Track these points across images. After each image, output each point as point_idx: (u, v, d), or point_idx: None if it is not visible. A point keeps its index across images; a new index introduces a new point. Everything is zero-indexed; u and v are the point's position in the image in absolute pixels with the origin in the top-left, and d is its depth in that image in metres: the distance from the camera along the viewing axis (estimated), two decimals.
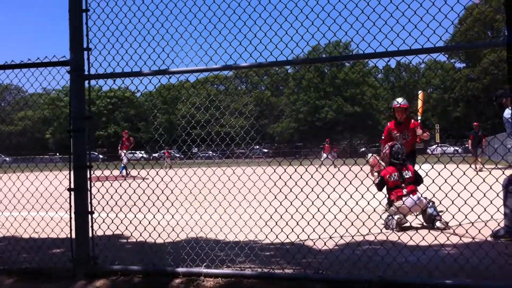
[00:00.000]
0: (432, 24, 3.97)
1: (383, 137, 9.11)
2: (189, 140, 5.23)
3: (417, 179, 7.34)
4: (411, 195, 7.09)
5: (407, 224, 6.73)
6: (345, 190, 4.37)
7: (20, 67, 5.06)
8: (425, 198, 6.95)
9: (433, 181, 4.19)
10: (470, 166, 4.47)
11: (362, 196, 4.90)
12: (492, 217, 4.36)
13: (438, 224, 6.61)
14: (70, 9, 4.71)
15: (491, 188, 4.01)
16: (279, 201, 4.72)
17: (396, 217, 6.75)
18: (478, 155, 22.80)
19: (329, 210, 4.71)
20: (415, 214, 7.04)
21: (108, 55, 4.92)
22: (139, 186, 4.79)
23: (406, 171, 7.42)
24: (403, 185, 7.23)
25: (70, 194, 4.64)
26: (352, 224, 4.61)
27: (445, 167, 4.09)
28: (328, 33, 4.35)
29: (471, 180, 3.99)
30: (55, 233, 5.49)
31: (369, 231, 4.86)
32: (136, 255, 5.22)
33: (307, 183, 4.48)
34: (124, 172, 22.42)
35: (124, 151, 24.16)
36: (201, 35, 4.78)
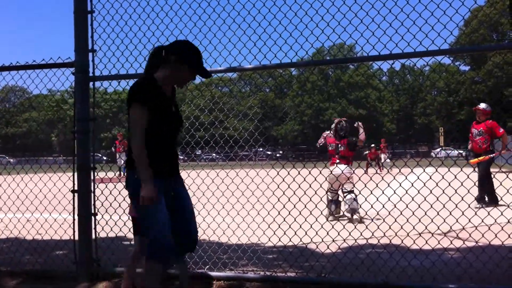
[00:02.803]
0: (437, 26, 3.97)
1: (470, 134, 10.45)
2: (193, 142, 5.24)
3: (350, 150, 8.74)
4: (339, 165, 8.41)
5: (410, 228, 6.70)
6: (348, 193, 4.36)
7: (25, 68, 5.07)
8: (353, 195, 7.94)
9: (437, 184, 4.17)
10: (474, 170, 4.46)
11: (366, 199, 4.89)
12: (495, 221, 4.34)
13: (355, 216, 7.81)
14: (75, 10, 4.72)
15: (495, 192, 3.99)
16: (282, 204, 4.72)
17: (332, 206, 7.93)
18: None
19: (332, 213, 4.70)
20: (343, 185, 8.15)
21: (112, 56, 4.94)
22: None
23: (341, 145, 8.74)
24: (336, 155, 8.67)
25: (74, 196, 4.65)
26: (355, 227, 4.61)
27: (449, 170, 4.08)
28: (333, 35, 4.36)
29: (475, 184, 3.98)
30: (58, 235, 5.49)
31: (372, 234, 4.85)
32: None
33: (310, 186, 4.47)
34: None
35: (118, 154, 24.04)
36: (205, 37, 4.79)
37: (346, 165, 8.53)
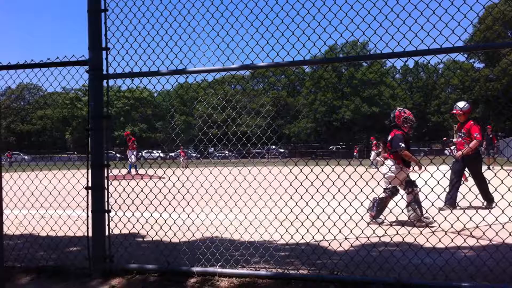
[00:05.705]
0: (451, 23, 3.93)
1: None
2: (206, 139, 5.25)
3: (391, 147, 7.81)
4: (386, 161, 7.66)
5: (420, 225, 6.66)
6: (361, 191, 4.35)
7: (39, 66, 5.11)
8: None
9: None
10: (489, 168, 4.43)
11: (379, 197, 4.86)
12: (510, 219, 4.30)
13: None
14: (89, 9, 4.75)
15: (509, 190, 3.96)
16: (294, 202, 4.71)
17: (411, 215, 6.51)
18: (490, 155, 23.41)
19: (345, 211, 4.69)
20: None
21: (126, 54, 4.95)
22: (155, 185, 4.81)
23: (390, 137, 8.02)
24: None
25: (88, 193, 4.68)
26: (368, 225, 4.59)
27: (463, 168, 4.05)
28: (346, 33, 4.35)
29: (489, 182, 3.95)
30: (72, 231, 5.54)
31: (385, 232, 4.83)
32: (152, 254, 5.25)
33: (323, 184, 4.47)
34: (132, 170, 22.21)
35: (130, 151, 24.21)
36: (218, 34, 4.79)
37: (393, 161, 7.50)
